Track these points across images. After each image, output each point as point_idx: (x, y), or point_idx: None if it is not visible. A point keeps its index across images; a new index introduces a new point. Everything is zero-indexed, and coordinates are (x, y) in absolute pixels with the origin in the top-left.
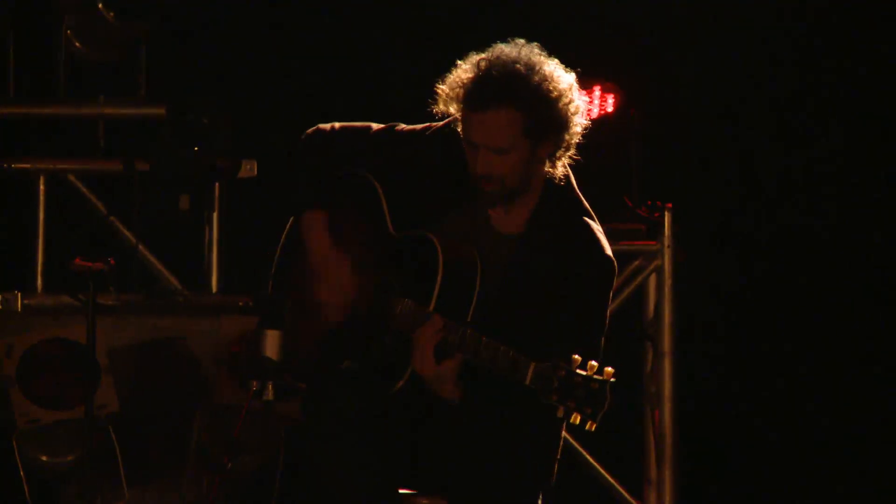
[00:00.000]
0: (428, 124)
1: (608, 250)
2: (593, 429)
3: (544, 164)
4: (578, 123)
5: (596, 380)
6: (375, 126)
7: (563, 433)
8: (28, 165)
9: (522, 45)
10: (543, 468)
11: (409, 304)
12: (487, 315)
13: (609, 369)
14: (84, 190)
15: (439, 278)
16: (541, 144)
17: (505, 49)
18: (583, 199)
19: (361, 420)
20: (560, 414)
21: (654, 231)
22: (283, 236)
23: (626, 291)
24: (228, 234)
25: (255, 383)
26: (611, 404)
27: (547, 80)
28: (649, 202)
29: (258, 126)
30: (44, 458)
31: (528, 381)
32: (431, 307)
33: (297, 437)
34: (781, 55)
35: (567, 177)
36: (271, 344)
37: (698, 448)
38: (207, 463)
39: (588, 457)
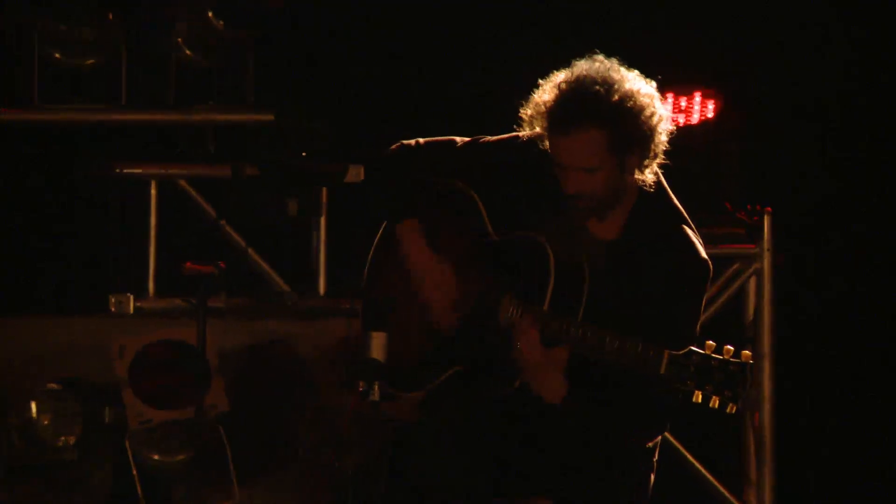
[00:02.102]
0: (515, 134)
1: (703, 253)
2: (734, 411)
3: (634, 174)
4: (663, 132)
5: (734, 362)
6: (460, 139)
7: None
8: (140, 171)
9: (601, 62)
10: (645, 468)
11: (520, 304)
12: (589, 316)
13: (747, 352)
14: (194, 194)
15: (552, 279)
16: (628, 158)
17: (584, 67)
18: (676, 202)
19: (468, 421)
20: (698, 399)
21: (754, 234)
22: (374, 246)
23: (726, 294)
24: (335, 238)
25: (361, 384)
26: (752, 384)
27: (627, 96)
28: (749, 206)
29: (364, 131)
30: (156, 457)
31: (662, 370)
32: (546, 307)
33: (405, 437)
34: (889, 59)
35: (658, 181)
36: (377, 346)
37: (798, 449)
38: (315, 465)
39: (689, 457)
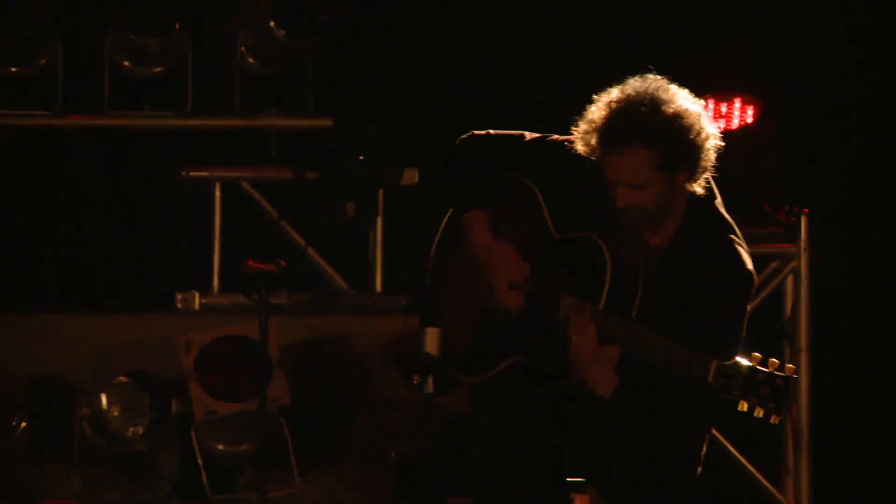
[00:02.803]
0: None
1: (749, 264)
2: (776, 422)
3: (683, 188)
4: (711, 148)
5: (779, 376)
6: (528, 134)
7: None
8: (205, 174)
9: (652, 80)
10: (692, 460)
11: (575, 301)
12: (641, 318)
13: (790, 366)
14: (257, 196)
15: (608, 280)
16: (676, 175)
17: (634, 86)
18: (724, 212)
19: (523, 411)
20: (743, 408)
21: (792, 234)
22: (440, 230)
23: (765, 292)
24: (391, 238)
25: (416, 377)
26: (792, 398)
27: (675, 116)
28: (786, 207)
29: (420, 136)
30: (220, 447)
31: (710, 378)
32: (602, 306)
33: (460, 427)
34: None
35: (710, 190)
36: (431, 340)
37: (833, 438)
38: (372, 454)
39: (729, 446)
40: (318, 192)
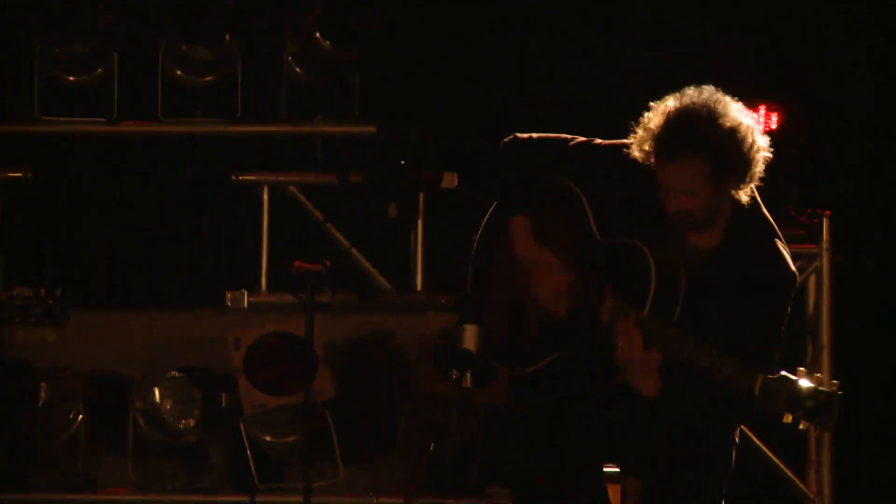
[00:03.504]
0: (624, 141)
1: (792, 266)
2: (820, 434)
3: (731, 195)
4: (761, 160)
5: (824, 391)
6: (573, 138)
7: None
8: (253, 178)
9: (708, 92)
10: (728, 455)
11: (620, 305)
12: (684, 320)
13: (836, 382)
14: (303, 199)
15: (653, 286)
16: (727, 184)
17: (692, 96)
18: (768, 215)
19: (563, 405)
20: (788, 420)
21: (814, 235)
22: (481, 231)
23: None
24: (432, 239)
25: (454, 372)
26: (840, 413)
27: (731, 128)
28: (809, 210)
29: (459, 141)
30: (268, 439)
31: (756, 392)
32: (646, 312)
33: (499, 421)
34: None
35: (753, 196)
36: (470, 337)
37: (854, 432)
38: (413, 446)
39: (755, 439)
40: (361, 196)
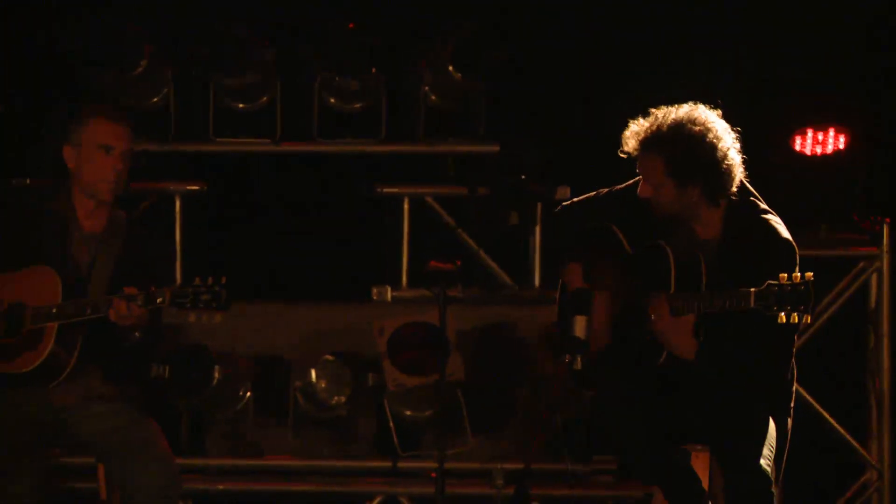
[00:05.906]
0: (637, 179)
1: (785, 233)
2: (809, 320)
3: (700, 197)
4: (729, 171)
5: (800, 282)
6: (601, 190)
7: (797, 387)
8: (395, 190)
9: (695, 106)
10: (783, 414)
11: (655, 294)
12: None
13: (809, 273)
14: (438, 208)
15: (673, 269)
16: (688, 184)
17: (678, 107)
18: (758, 198)
19: (638, 385)
20: (783, 320)
21: (876, 240)
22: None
23: (853, 287)
24: (547, 242)
25: (567, 357)
26: (812, 297)
27: (694, 135)
28: (872, 217)
29: (570, 157)
30: (408, 413)
31: (752, 303)
32: (672, 290)
33: (598, 398)
34: None
35: (742, 186)
36: (580, 326)
37: None
38: (532, 418)
39: (824, 413)
40: (488, 205)
